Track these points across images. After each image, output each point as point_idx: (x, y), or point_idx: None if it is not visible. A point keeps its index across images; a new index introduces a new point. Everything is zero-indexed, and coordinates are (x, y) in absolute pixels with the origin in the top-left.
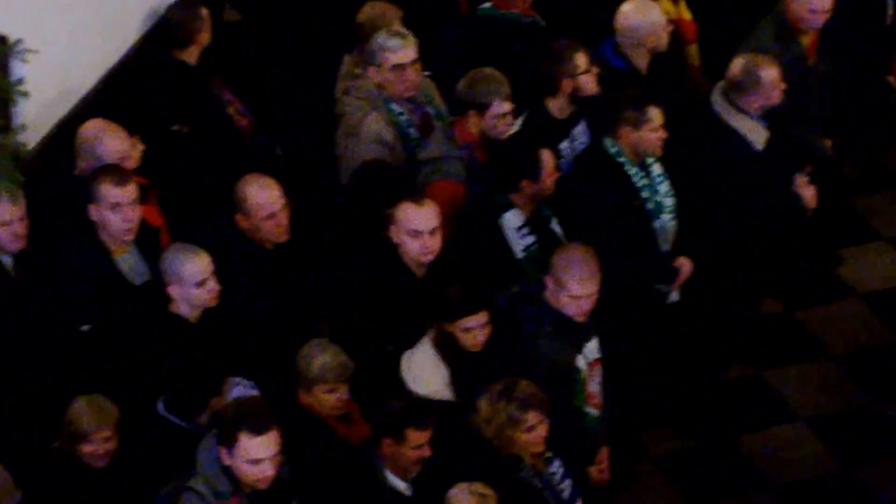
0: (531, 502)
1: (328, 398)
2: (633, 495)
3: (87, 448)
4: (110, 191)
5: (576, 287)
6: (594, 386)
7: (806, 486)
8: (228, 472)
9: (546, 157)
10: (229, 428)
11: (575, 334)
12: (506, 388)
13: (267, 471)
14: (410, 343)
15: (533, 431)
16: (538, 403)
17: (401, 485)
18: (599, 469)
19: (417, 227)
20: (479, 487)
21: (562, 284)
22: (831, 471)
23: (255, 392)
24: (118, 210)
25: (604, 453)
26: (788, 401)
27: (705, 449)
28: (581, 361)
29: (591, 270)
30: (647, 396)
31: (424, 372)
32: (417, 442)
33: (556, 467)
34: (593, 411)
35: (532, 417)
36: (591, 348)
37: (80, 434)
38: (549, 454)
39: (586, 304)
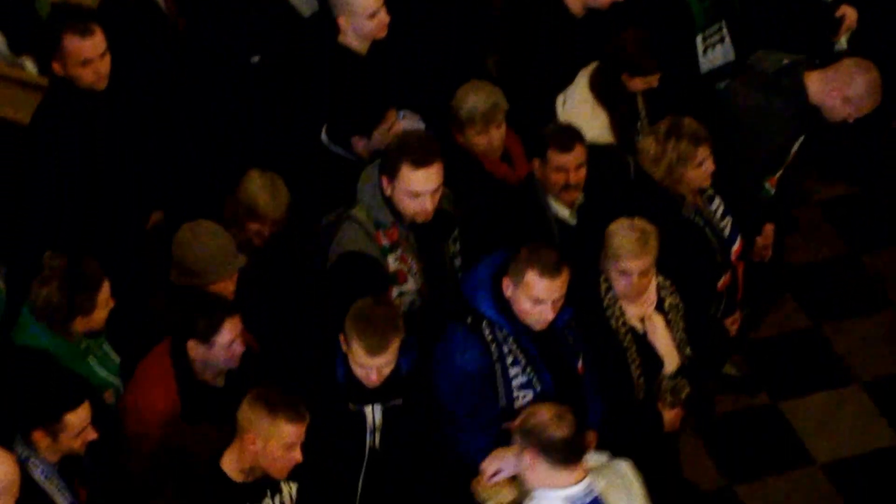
0: (692, 238)
1: (480, 140)
2: (797, 238)
3: (254, 227)
4: None
5: (864, 107)
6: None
7: None
8: (389, 202)
9: None
10: (392, 158)
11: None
12: (673, 126)
13: (426, 204)
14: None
15: (703, 166)
16: (705, 138)
17: (564, 212)
18: (764, 244)
19: None
20: (640, 223)
21: (847, 97)
22: None
23: (421, 126)
24: None
25: (769, 229)
26: None
27: (869, 196)
28: (793, 148)
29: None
30: (815, 145)
31: (582, 115)
32: (559, 163)
33: (717, 205)
34: (771, 190)
35: (702, 152)
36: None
37: (253, 214)
38: (710, 192)
39: (851, 119)
